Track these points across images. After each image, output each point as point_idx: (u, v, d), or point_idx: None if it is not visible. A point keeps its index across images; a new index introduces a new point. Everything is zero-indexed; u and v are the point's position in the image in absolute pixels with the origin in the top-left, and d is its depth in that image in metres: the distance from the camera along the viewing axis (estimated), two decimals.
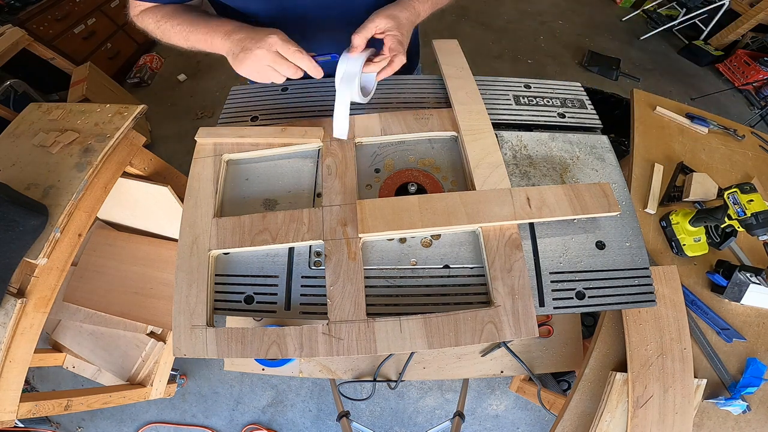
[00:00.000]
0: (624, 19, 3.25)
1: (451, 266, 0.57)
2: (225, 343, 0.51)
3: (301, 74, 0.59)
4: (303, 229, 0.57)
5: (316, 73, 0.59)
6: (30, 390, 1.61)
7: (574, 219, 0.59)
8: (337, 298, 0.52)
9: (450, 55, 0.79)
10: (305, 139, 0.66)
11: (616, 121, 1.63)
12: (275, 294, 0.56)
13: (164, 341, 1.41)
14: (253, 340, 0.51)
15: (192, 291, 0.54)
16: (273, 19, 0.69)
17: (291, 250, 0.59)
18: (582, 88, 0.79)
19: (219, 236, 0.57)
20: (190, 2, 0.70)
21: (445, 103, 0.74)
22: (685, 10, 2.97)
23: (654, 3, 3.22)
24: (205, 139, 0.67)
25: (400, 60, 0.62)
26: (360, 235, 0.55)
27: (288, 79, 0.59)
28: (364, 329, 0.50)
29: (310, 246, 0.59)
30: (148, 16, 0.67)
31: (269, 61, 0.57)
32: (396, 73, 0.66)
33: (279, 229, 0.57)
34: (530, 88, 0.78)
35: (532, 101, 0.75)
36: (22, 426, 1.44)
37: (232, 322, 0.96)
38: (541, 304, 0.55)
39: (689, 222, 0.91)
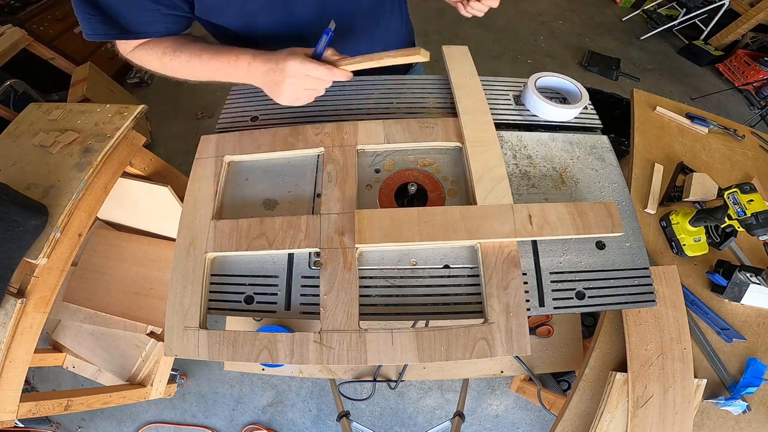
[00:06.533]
0: (624, 19, 3.25)
1: (451, 266, 0.57)
2: (216, 345, 0.51)
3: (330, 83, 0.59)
4: (300, 236, 0.57)
5: (347, 77, 0.59)
6: (30, 390, 1.61)
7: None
8: (330, 307, 0.52)
9: (459, 62, 0.77)
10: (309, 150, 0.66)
11: (616, 121, 1.63)
12: (275, 294, 0.56)
13: (164, 341, 1.41)
14: (245, 345, 0.51)
15: (186, 292, 0.55)
16: (276, 35, 0.68)
17: None
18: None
19: (216, 239, 0.57)
20: (185, 31, 0.66)
21: (448, 105, 0.74)
22: (685, 10, 2.97)
23: (654, 3, 3.23)
24: (208, 139, 0.67)
25: None
26: (357, 246, 0.55)
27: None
28: (355, 339, 0.50)
29: None
30: (146, 52, 0.63)
31: (303, 86, 0.57)
32: (396, 73, 0.66)
33: (276, 235, 0.57)
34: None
35: None
36: (22, 426, 1.44)
37: (232, 321, 0.96)
38: (541, 304, 0.55)
39: (689, 222, 0.91)
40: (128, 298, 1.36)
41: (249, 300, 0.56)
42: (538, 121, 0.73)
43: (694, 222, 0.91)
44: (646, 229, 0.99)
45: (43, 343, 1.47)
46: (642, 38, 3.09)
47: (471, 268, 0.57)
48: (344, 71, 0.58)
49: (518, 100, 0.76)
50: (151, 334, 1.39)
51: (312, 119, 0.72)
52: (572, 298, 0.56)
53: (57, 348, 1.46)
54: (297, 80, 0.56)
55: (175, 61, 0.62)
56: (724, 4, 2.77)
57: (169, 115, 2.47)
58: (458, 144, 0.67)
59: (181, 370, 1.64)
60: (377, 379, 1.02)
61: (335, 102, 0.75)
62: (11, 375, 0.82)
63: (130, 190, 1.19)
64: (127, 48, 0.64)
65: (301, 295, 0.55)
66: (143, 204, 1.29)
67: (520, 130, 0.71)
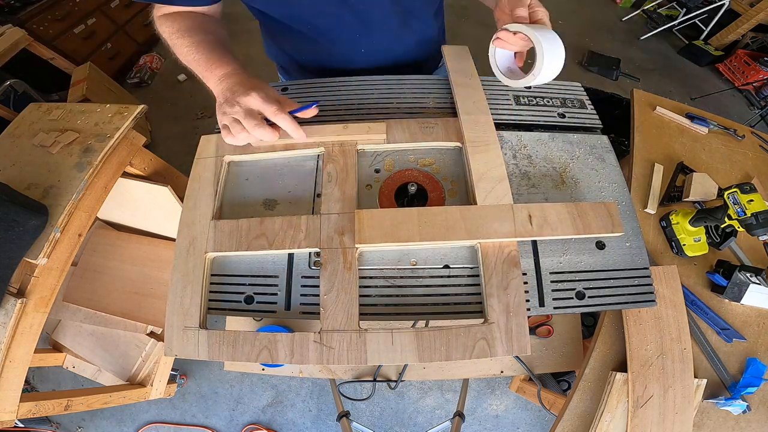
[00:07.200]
0: (624, 19, 3.25)
1: (451, 266, 0.57)
2: (216, 345, 0.51)
3: (276, 137, 0.59)
4: (300, 236, 0.57)
5: (299, 136, 0.60)
6: (30, 390, 1.61)
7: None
8: (330, 307, 0.52)
9: (459, 62, 0.77)
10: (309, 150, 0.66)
11: (616, 121, 1.63)
12: (275, 294, 0.56)
13: (164, 341, 1.41)
14: (245, 344, 0.51)
15: (186, 292, 0.55)
16: (289, 22, 0.70)
17: None
18: (582, 88, 0.79)
19: (216, 239, 0.57)
20: (209, 13, 0.69)
21: (448, 105, 0.74)
22: (685, 10, 2.97)
23: (654, 3, 3.23)
24: (208, 139, 0.67)
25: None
26: (357, 246, 0.55)
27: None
28: (355, 339, 0.50)
29: None
30: (165, 25, 0.66)
31: (242, 118, 0.57)
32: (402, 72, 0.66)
33: (276, 235, 0.57)
34: (530, 88, 0.77)
35: (532, 101, 0.75)
36: (22, 426, 1.44)
37: (232, 321, 0.96)
38: (541, 304, 0.55)
39: (689, 222, 0.91)
40: (128, 298, 1.36)
41: (249, 300, 0.56)
42: (538, 121, 0.73)
43: (694, 222, 0.91)
44: (646, 229, 0.99)
45: (43, 343, 1.47)
46: (642, 38, 3.09)
47: (471, 268, 0.57)
48: (298, 129, 0.59)
49: (518, 100, 0.76)
50: (151, 334, 1.39)
51: (312, 119, 0.72)
52: (572, 298, 0.56)
53: (57, 348, 1.46)
54: (242, 112, 0.57)
55: (179, 43, 0.65)
56: (724, 4, 2.77)
57: (169, 115, 2.47)
58: (458, 144, 0.67)
59: (181, 370, 1.64)
60: (377, 379, 1.02)
61: (335, 102, 0.75)
62: (11, 375, 0.82)
63: (130, 190, 1.19)
64: (157, 12, 0.67)
65: (301, 295, 0.55)
66: (143, 204, 1.29)
67: (520, 130, 0.71)
